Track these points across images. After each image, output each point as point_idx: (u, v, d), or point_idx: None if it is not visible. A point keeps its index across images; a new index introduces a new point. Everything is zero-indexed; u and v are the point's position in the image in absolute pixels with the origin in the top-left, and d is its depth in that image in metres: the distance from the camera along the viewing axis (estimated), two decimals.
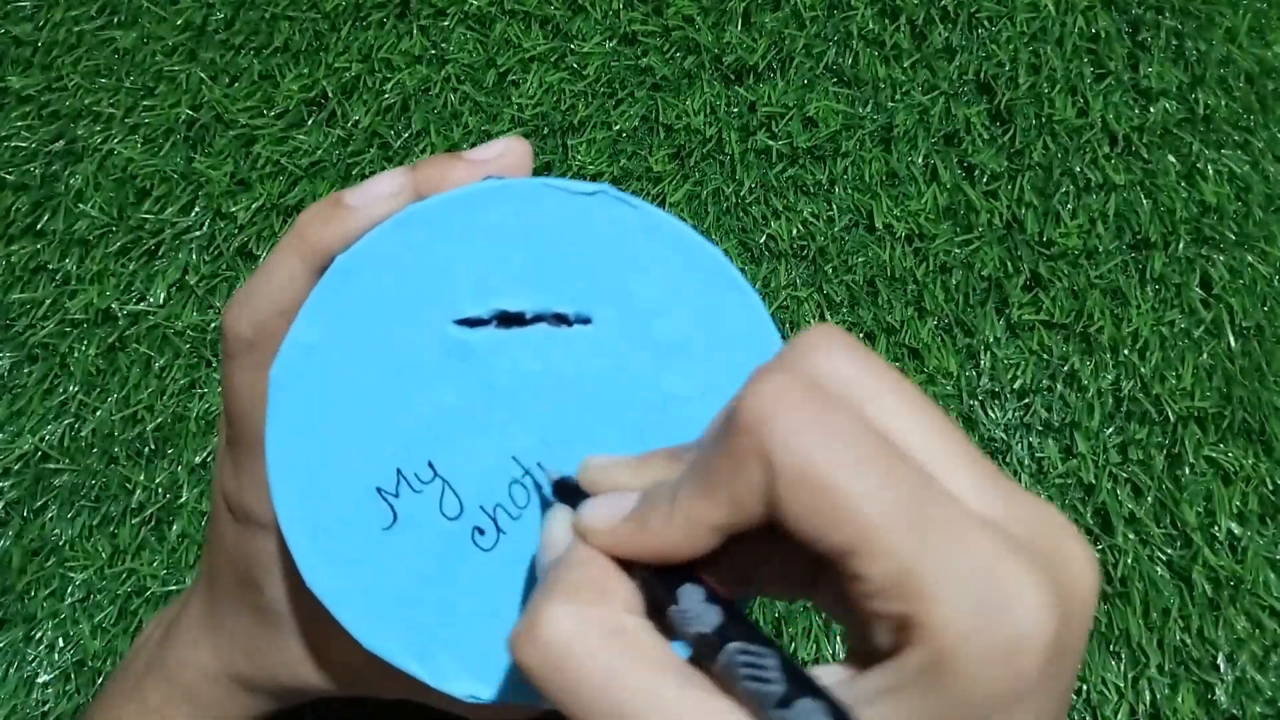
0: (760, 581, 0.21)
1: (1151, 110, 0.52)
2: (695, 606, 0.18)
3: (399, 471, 0.24)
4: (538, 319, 0.25)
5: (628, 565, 0.19)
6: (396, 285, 0.24)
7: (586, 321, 0.25)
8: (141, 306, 0.50)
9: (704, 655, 0.18)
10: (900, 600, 0.16)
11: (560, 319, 0.25)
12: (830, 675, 0.18)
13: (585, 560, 0.19)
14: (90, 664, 0.45)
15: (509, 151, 0.26)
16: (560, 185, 0.25)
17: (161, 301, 0.50)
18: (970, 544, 0.16)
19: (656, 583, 0.19)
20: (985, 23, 0.53)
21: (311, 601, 0.25)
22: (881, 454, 0.17)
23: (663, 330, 0.25)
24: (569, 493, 0.22)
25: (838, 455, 0.16)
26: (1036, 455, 0.48)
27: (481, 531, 0.25)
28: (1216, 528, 0.46)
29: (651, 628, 0.18)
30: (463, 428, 0.24)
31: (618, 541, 0.19)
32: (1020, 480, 0.47)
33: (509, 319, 0.25)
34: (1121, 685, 0.45)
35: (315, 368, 0.24)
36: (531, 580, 0.25)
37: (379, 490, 0.24)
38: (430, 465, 0.24)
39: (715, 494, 0.18)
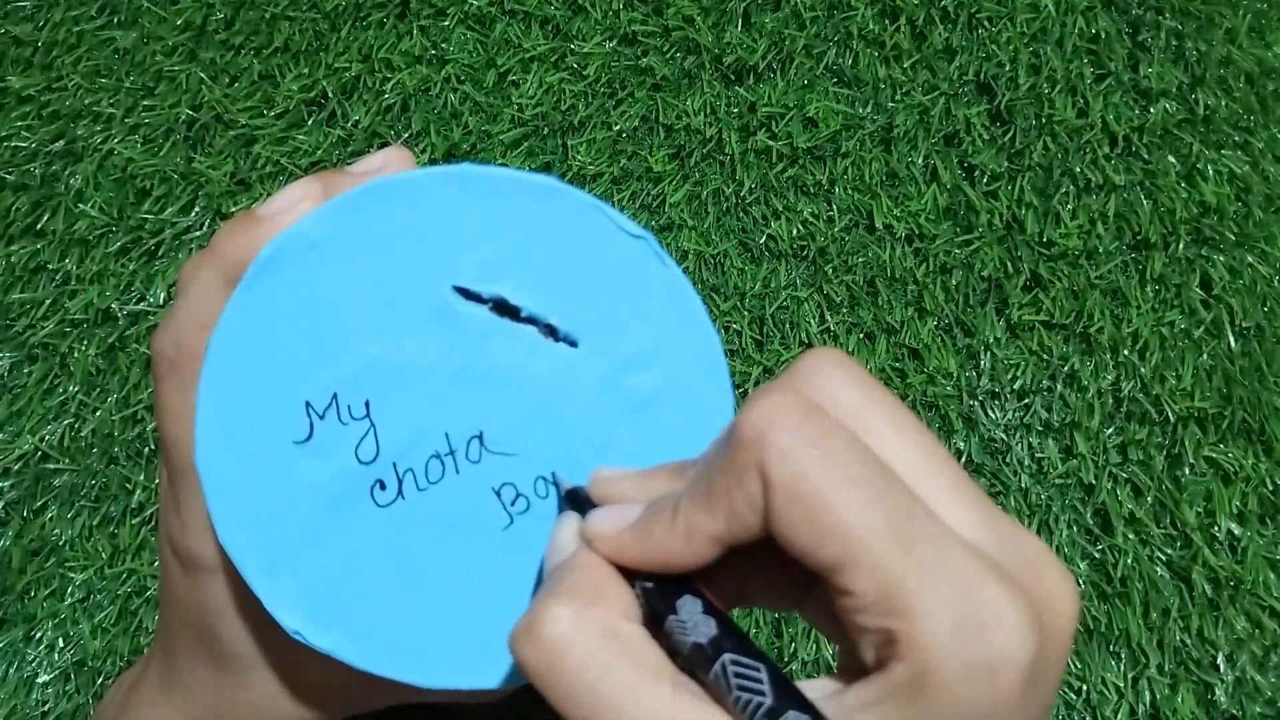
0: (751, 593, 0.22)
1: (1151, 111, 0.52)
2: (693, 617, 0.19)
3: (334, 396, 0.24)
4: (530, 321, 0.25)
5: (629, 576, 0.20)
6: (416, 223, 0.25)
7: (573, 344, 0.25)
8: (141, 306, 0.50)
9: (698, 665, 0.18)
10: (885, 616, 0.17)
11: (550, 331, 0.25)
12: (817, 689, 0.18)
13: (587, 565, 0.20)
14: (90, 664, 0.45)
15: (389, 163, 0.27)
16: (609, 213, 0.25)
17: (161, 301, 0.50)
18: (954, 564, 0.17)
19: (656, 593, 0.19)
20: (985, 23, 0.53)
21: (278, 635, 0.25)
22: (873, 474, 0.17)
23: (635, 384, 0.25)
24: (579, 503, 0.23)
25: (831, 472, 0.17)
26: (1036, 455, 0.48)
27: (383, 486, 0.25)
28: (1216, 528, 0.46)
29: (647, 635, 0.19)
30: (412, 386, 0.25)
31: (621, 548, 0.20)
32: (1020, 480, 0.47)
33: (505, 309, 0.25)
34: (1121, 685, 0.45)
35: (301, 266, 0.24)
36: (412, 555, 0.25)
37: (307, 404, 0.24)
38: (366, 405, 0.24)
39: (714, 506, 0.18)
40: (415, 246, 0.24)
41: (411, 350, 0.24)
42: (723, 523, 0.18)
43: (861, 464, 0.17)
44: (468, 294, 0.25)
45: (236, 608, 0.27)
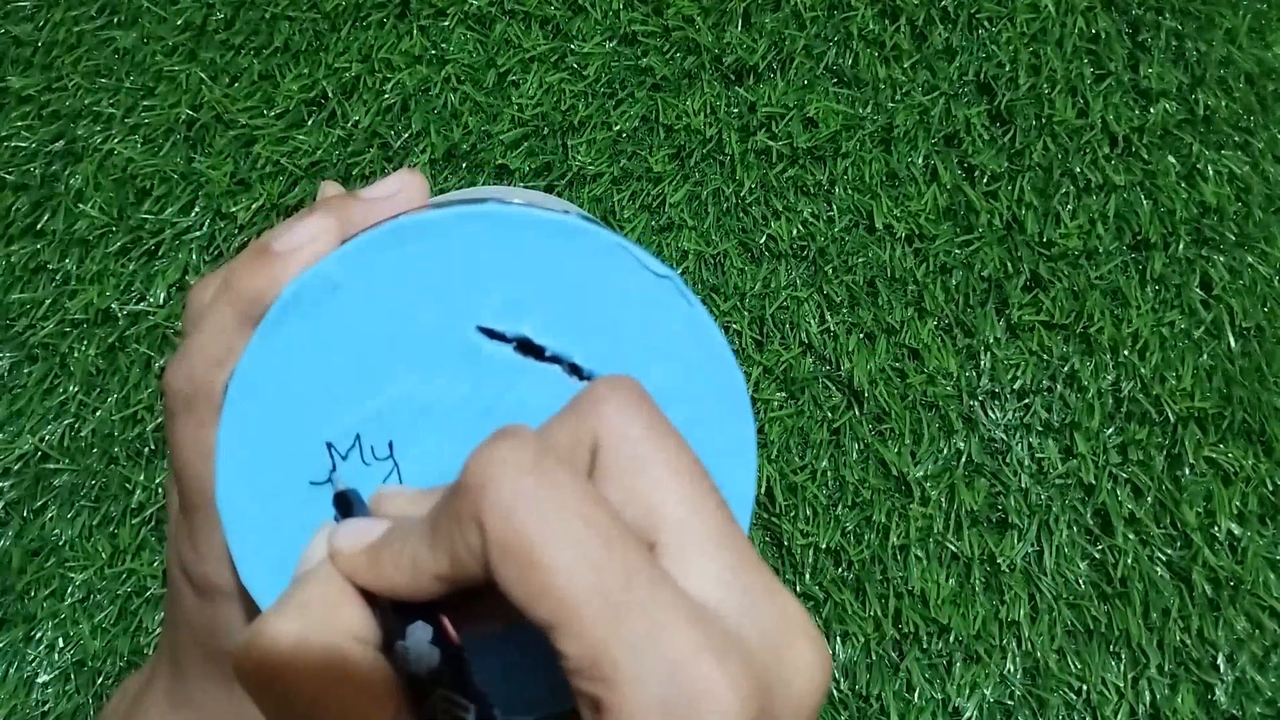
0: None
1: (1151, 111, 0.52)
2: (418, 647, 0.18)
3: (358, 437, 0.24)
4: (555, 360, 0.25)
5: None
6: (440, 263, 0.24)
7: None
8: (141, 306, 0.50)
9: (420, 695, 0.18)
10: (593, 682, 0.16)
11: (575, 370, 0.25)
12: None
13: (324, 579, 0.19)
14: (90, 664, 0.45)
15: (403, 188, 0.27)
16: (634, 251, 0.25)
17: (161, 301, 0.50)
18: (669, 636, 0.16)
19: (390, 616, 0.19)
20: (985, 23, 0.53)
21: None
22: (597, 533, 0.17)
23: None
24: (347, 506, 0.22)
25: (550, 530, 0.16)
26: (1036, 455, 0.48)
27: None
28: (1216, 528, 0.46)
29: (377, 659, 0.18)
30: (436, 426, 0.24)
31: (354, 569, 0.19)
32: (1020, 480, 0.47)
33: (529, 348, 0.25)
34: (1121, 685, 0.45)
35: (323, 307, 0.24)
36: None
37: (329, 445, 0.24)
38: (390, 446, 0.24)
39: (438, 547, 0.18)
40: (439, 287, 0.24)
41: (435, 390, 0.24)
42: (446, 564, 0.18)
43: (586, 521, 0.17)
44: (492, 333, 0.24)
45: None
